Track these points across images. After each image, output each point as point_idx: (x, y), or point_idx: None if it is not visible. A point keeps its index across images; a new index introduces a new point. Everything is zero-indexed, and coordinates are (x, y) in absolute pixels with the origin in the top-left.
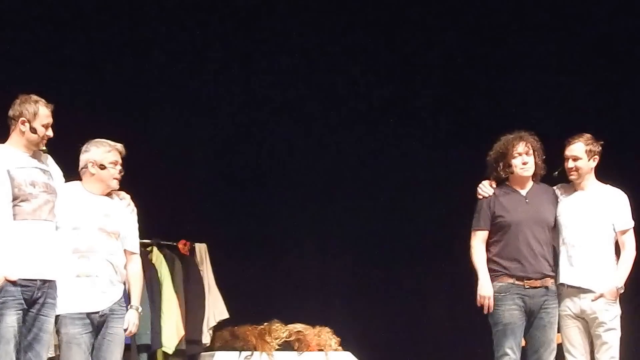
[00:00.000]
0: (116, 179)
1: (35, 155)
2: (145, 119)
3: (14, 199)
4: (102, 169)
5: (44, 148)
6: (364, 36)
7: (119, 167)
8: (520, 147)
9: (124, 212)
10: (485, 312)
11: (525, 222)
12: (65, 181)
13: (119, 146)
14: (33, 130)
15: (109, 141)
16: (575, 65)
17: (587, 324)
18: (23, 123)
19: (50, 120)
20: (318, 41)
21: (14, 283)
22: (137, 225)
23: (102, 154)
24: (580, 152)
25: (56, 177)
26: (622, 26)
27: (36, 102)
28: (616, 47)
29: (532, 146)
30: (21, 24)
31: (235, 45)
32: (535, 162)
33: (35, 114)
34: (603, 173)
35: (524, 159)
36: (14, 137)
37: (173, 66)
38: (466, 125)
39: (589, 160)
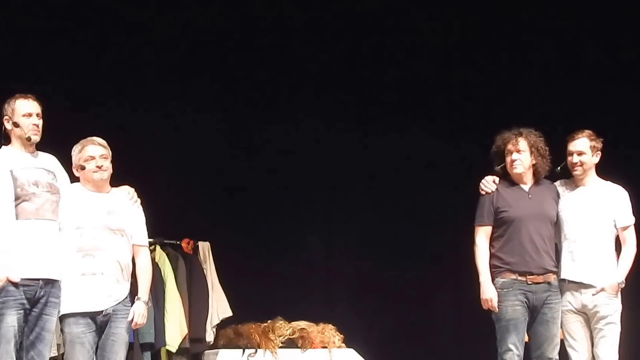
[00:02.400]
0: (95, 172)
1: (39, 156)
2: (148, 118)
3: (16, 198)
4: (82, 169)
5: (33, 137)
6: (367, 34)
7: (96, 161)
8: (510, 145)
9: (128, 207)
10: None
11: (528, 217)
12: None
13: (91, 139)
14: (16, 125)
15: (83, 139)
16: (575, 62)
17: (588, 318)
18: (7, 122)
19: (32, 109)
20: (321, 40)
21: (15, 284)
22: (143, 218)
23: (77, 156)
24: (585, 147)
25: (61, 178)
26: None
27: (15, 98)
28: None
29: (529, 143)
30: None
31: (238, 45)
32: (535, 159)
33: (13, 110)
34: (604, 170)
35: (514, 157)
36: (12, 139)
37: (177, 65)
38: (471, 123)
39: (593, 155)
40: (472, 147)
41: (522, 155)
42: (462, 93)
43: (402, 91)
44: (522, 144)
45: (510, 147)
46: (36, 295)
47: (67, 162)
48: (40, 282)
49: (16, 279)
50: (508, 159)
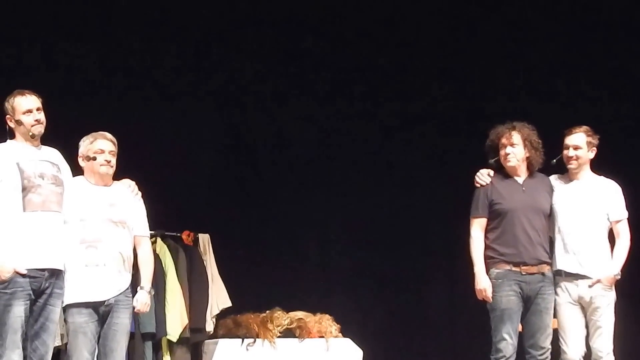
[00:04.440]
0: (104, 165)
1: (43, 149)
2: (150, 110)
3: (23, 189)
4: (88, 160)
5: (36, 133)
6: (360, 32)
7: (105, 155)
8: (504, 138)
9: (130, 199)
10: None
11: (522, 209)
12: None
13: (103, 134)
14: (19, 123)
15: (95, 132)
16: (573, 58)
17: (584, 310)
18: (10, 120)
19: (31, 105)
20: (318, 35)
21: (22, 275)
22: (144, 210)
23: (87, 147)
24: (582, 142)
25: (64, 170)
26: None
27: (13, 95)
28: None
29: (522, 136)
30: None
31: (240, 40)
32: (528, 152)
33: (13, 108)
34: (598, 165)
35: (508, 150)
36: (16, 134)
37: (179, 60)
38: (467, 116)
39: (588, 151)
40: (469, 140)
41: (515, 149)
42: (459, 86)
43: (398, 84)
44: (516, 137)
45: (504, 140)
46: (41, 287)
47: (66, 150)
48: (46, 273)
49: (23, 271)
50: (502, 152)
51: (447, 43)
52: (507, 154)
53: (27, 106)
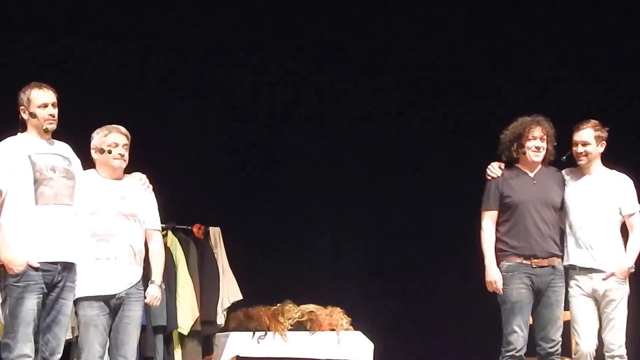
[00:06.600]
0: (117, 159)
1: (54, 143)
2: (161, 104)
3: (35, 182)
4: (101, 153)
5: (49, 127)
6: (372, 21)
7: (119, 149)
8: (537, 131)
9: (141, 192)
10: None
11: (533, 202)
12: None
13: (117, 127)
14: (33, 115)
15: (109, 125)
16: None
17: (597, 302)
18: (23, 111)
19: (48, 99)
20: (329, 30)
21: (35, 268)
22: (155, 203)
23: (100, 139)
24: (590, 137)
25: (75, 164)
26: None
27: (30, 87)
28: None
29: (546, 132)
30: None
31: (249, 33)
32: (547, 148)
33: (29, 100)
34: (608, 158)
35: (538, 144)
36: (28, 127)
37: (190, 56)
38: (480, 112)
39: (598, 145)
40: (482, 133)
41: (544, 143)
42: (474, 80)
43: (411, 76)
44: (544, 132)
45: (535, 133)
46: (54, 280)
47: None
48: (59, 266)
49: (36, 264)
50: (529, 145)
51: (465, 41)
52: (537, 147)
53: (43, 100)
